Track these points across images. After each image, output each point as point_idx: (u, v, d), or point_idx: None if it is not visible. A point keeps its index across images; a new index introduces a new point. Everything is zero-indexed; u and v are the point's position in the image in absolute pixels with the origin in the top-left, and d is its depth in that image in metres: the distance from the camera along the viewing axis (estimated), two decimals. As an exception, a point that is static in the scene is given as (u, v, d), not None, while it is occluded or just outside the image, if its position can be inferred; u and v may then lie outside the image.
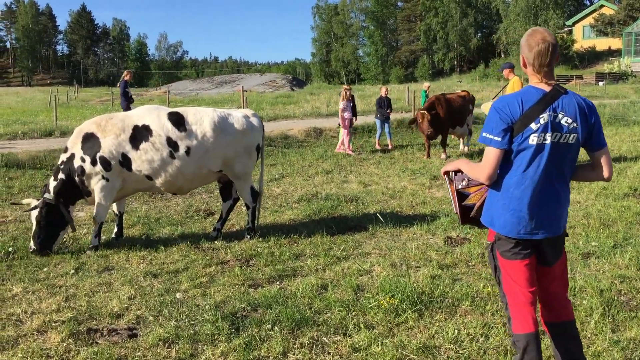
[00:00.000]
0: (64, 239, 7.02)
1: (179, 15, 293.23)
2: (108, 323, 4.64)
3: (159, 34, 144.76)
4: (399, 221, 7.69)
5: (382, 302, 4.72)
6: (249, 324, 4.51)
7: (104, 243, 6.88)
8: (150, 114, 6.77)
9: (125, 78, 16.22)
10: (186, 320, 4.65)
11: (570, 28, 64.99)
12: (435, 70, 76.52)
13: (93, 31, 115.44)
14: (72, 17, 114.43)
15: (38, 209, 6.51)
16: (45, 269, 6.00)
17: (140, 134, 6.61)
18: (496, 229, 3.19)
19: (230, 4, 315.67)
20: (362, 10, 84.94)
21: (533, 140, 3.01)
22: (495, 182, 3.17)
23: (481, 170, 3.15)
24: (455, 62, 76.30)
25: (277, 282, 5.55)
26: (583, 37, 64.06)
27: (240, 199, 7.44)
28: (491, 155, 3.10)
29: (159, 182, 6.74)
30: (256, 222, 7.37)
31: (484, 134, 3.14)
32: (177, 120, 6.72)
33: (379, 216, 7.74)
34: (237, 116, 7.12)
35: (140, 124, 6.67)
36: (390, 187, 10.23)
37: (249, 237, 7.09)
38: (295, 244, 6.80)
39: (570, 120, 3.04)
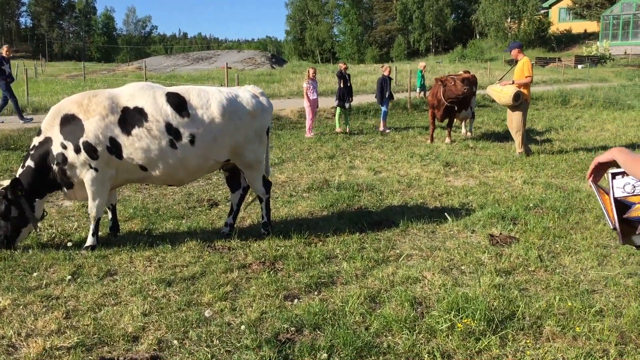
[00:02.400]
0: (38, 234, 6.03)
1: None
2: (124, 350, 3.78)
3: (127, 8, 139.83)
4: (428, 215, 6.94)
5: (457, 323, 3.95)
6: (299, 353, 3.70)
7: (101, 241, 5.95)
8: (144, 93, 5.67)
9: (2, 53, 14.45)
10: (220, 345, 3.82)
11: (546, 10, 64.94)
12: (410, 50, 75.91)
13: (58, 3, 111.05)
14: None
15: None
16: (35, 274, 5.07)
17: (132, 118, 5.54)
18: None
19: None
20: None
21: None
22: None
23: None
24: (431, 43, 75.72)
25: (315, 292, 4.74)
26: (559, 19, 64.12)
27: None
28: None
29: (155, 173, 5.73)
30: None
31: None
32: (179, 104, 5.68)
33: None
34: (246, 96, 6.13)
35: (131, 105, 5.59)
36: (403, 175, 9.47)
37: (265, 232, 6.26)
38: (322, 243, 5.99)
39: None
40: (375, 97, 15.35)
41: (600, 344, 3.82)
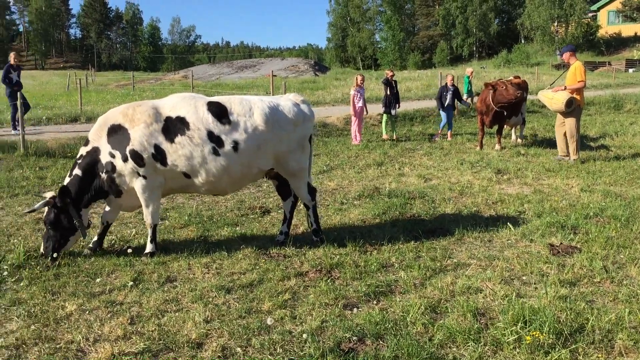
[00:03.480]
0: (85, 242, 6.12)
1: (192, 0, 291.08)
2: (189, 356, 3.82)
3: (172, 18, 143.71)
4: (483, 223, 6.82)
5: (525, 336, 3.84)
6: (363, 362, 3.67)
7: (159, 247, 6.05)
8: (186, 103, 5.79)
9: (10, 61, 14.43)
10: (283, 354, 3.82)
11: (595, 13, 63.34)
12: (453, 56, 74.99)
13: (106, 15, 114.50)
14: (85, 1, 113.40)
15: (47, 210, 5.63)
16: (98, 280, 5.19)
17: (174, 126, 5.66)
18: None
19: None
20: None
21: None
22: None
23: None
24: (474, 48, 74.69)
25: (374, 301, 4.70)
26: (608, 22, 62.42)
27: None
28: None
29: (199, 181, 5.80)
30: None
31: None
32: (220, 112, 5.77)
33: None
34: (288, 105, 6.14)
35: (173, 115, 5.71)
36: (454, 182, 9.34)
37: (317, 240, 6.25)
38: (377, 251, 5.94)
39: None
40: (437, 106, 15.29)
41: (678, 360, 3.66)
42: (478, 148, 12.81)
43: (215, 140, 5.69)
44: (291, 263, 5.64)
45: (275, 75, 19.80)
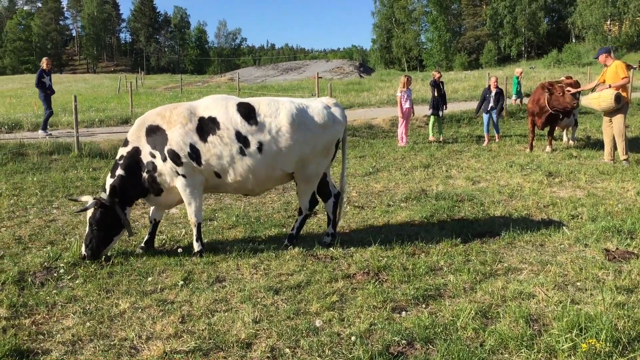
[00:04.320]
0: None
1: (238, 3, 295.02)
2: (239, 356, 3.85)
3: (218, 22, 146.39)
4: (535, 227, 6.66)
5: (581, 344, 3.73)
6: (415, 366, 3.63)
7: (209, 247, 6.14)
8: (217, 104, 5.89)
9: (42, 66, 14.69)
10: (332, 356, 3.81)
11: (651, 11, 61.12)
12: (501, 56, 73.73)
13: (155, 19, 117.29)
14: (135, 6, 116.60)
15: (92, 210, 5.73)
16: (150, 279, 5.30)
17: (207, 126, 5.76)
18: None
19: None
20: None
21: None
22: None
23: None
24: (523, 48, 73.26)
25: (423, 305, 4.64)
26: (665, 20, 60.16)
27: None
28: None
29: (228, 180, 5.87)
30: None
31: None
32: (247, 112, 5.82)
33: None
34: (318, 107, 6.10)
35: (206, 115, 5.81)
36: (503, 185, 9.16)
37: (289, 244, 6.17)
38: (425, 254, 5.88)
39: None
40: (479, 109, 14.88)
41: None
42: (528, 150, 12.53)
43: (242, 140, 5.76)
44: (338, 265, 5.64)
45: (321, 77, 19.84)
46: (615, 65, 10.51)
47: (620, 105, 10.22)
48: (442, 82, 14.69)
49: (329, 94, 15.40)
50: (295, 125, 5.86)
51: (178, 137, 5.73)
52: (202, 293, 4.93)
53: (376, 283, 5.09)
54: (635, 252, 5.77)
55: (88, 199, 5.82)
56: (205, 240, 6.42)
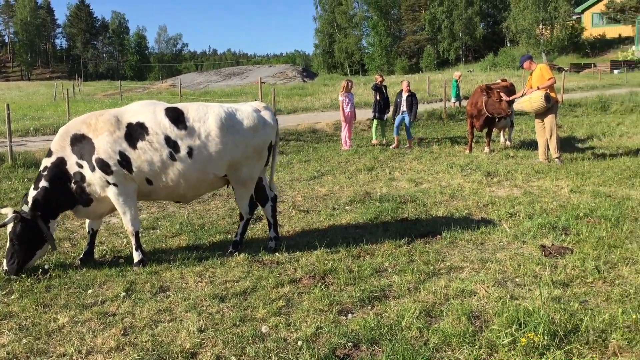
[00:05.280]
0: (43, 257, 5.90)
1: (178, 8, 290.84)
2: (184, 366, 3.79)
3: (159, 27, 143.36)
4: (475, 226, 6.85)
5: (520, 338, 3.85)
6: (360, 368, 3.65)
7: (152, 257, 6.02)
8: (145, 109, 5.79)
9: None
10: (279, 361, 3.80)
11: (579, 16, 63.96)
12: (440, 60, 75.38)
13: (92, 24, 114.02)
14: (70, 11, 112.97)
15: (12, 224, 5.49)
16: (90, 291, 5.14)
17: (135, 132, 5.63)
18: None
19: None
20: (365, 0, 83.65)
21: None
22: None
23: None
24: (461, 52, 75.16)
25: (369, 307, 4.69)
26: (592, 24, 63.05)
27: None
28: None
29: (159, 187, 5.77)
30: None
31: None
32: (176, 117, 5.74)
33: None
34: (247, 111, 6.10)
35: (134, 121, 5.68)
36: (445, 185, 9.37)
37: (233, 251, 6.12)
38: (370, 256, 5.94)
39: None
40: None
41: (673, 359, 3.68)
42: (468, 151, 12.87)
43: (172, 145, 5.67)
44: (284, 270, 5.62)
45: (264, 83, 19.78)
46: (539, 68, 11.03)
47: (550, 104, 10.66)
48: (384, 86, 14.90)
49: (272, 99, 15.39)
50: (225, 129, 5.82)
51: (106, 145, 5.56)
52: (145, 304, 4.82)
53: (322, 286, 5.10)
54: (570, 247, 6.01)
55: (8, 212, 5.56)
56: (148, 250, 6.30)
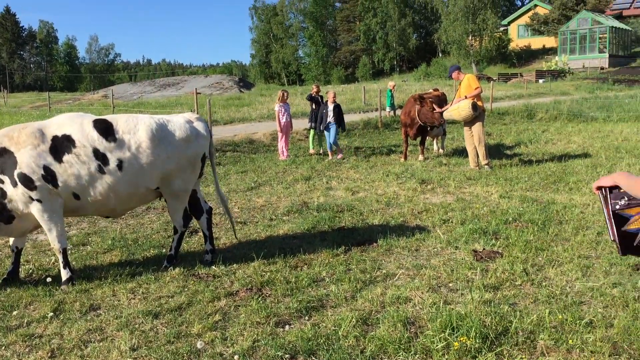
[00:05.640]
0: None
1: (110, 17, 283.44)
2: (116, 387, 3.66)
3: (90, 37, 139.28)
4: (410, 233, 6.97)
5: (453, 342, 3.94)
6: (297, 380, 3.64)
7: (81, 274, 5.81)
8: (72, 122, 5.59)
9: None
10: (215, 377, 3.73)
11: (506, 27, 66.58)
12: (375, 70, 76.70)
13: (18, 34, 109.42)
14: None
15: None
16: (15, 312, 4.90)
17: (61, 145, 5.43)
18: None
19: (163, 6, 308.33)
20: (301, 11, 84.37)
21: None
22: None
23: None
24: (395, 62, 76.73)
25: (306, 317, 4.69)
26: (518, 36, 65.78)
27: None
28: None
29: (87, 201, 5.57)
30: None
31: None
32: (105, 129, 5.57)
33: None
34: (179, 122, 5.99)
35: (60, 133, 5.48)
36: (381, 194, 9.51)
37: (169, 265, 6.00)
38: (308, 266, 5.95)
39: None
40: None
41: (595, 356, 3.85)
42: (403, 159, 13.11)
43: (100, 157, 5.50)
44: (221, 283, 5.55)
45: (200, 93, 19.52)
46: (467, 78, 11.44)
47: (478, 113, 11.06)
48: (320, 97, 14.99)
49: (207, 109, 15.21)
50: (156, 141, 5.69)
51: (29, 159, 5.32)
52: (75, 324, 4.64)
53: (259, 299, 5.07)
54: (500, 251, 6.21)
55: None
56: (78, 267, 6.08)
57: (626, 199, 2.59)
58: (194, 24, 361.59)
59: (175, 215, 6.13)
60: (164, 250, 6.68)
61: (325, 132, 13.96)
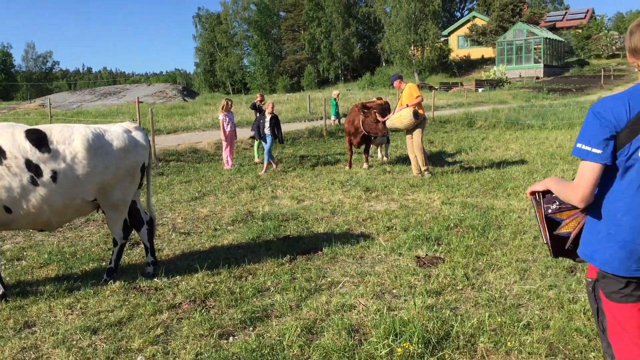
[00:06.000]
0: None
1: (47, 24, 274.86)
2: (52, 408, 3.53)
3: (26, 44, 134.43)
4: (355, 240, 7.03)
5: (396, 348, 3.98)
6: (241, 391, 3.60)
7: (16, 290, 5.57)
8: (3, 132, 5.35)
9: None
10: (156, 392, 3.64)
11: (446, 38, 68.29)
12: (320, 79, 77.15)
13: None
14: None
15: None
16: (-58, 333, 4.66)
17: None
18: (599, 265, 2.56)
19: (103, 13, 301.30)
20: (245, 19, 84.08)
21: None
22: (594, 205, 2.56)
23: (574, 190, 2.53)
24: (340, 71, 77.41)
25: (251, 328, 4.65)
26: (458, 46, 67.59)
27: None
28: (588, 171, 2.48)
29: (19, 215, 5.34)
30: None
31: (578, 145, 2.51)
32: (38, 139, 5.37)
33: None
34: (116, 132, 5.86)
35: None
36: (326, 202, 9.55)
37: (108, 279, 5.84)
38: (253, 276, 5.90)
39: None
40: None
41: (532, 357, 3.97)
42: (347, 167, 13.22)
43: (33, 169, 5.29)
44: (163, 295, 5.43)
45: (142, 102, 19.14)
46: (408, 87, 11.65)
47: (419, 121, 11.29)
48: (259, 107, 14.92)
49: (150, 118, 14.93)
50: (92, 151, 5.52)
51: None
52: (8, 342, 4.44)
53: (203, 310, 4.99)
54: (442, 256, 6.33)
55: None
56: (12, 282, 5.83)
57: (557, 203, 2.69)
58: (137, 32, 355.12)
59: (114, 227, 5.97)
60: (103, 264, 6.50)
61: (262, 143, 13.60)
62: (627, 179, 2.47)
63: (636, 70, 2.54)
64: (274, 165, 13.48)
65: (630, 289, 2.51)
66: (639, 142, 2.41)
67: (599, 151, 2.45)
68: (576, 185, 2.53)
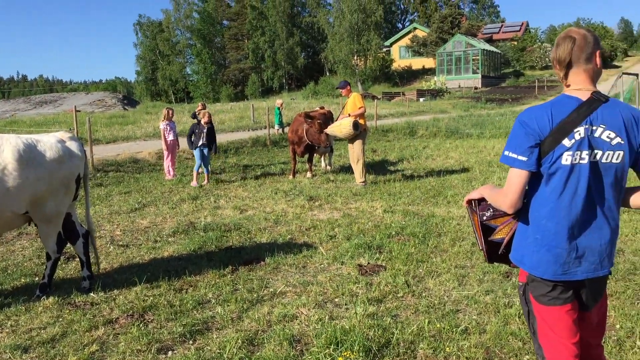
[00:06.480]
0: None
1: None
2: None
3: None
4: (298, 250, 7.02)
5: (338, 357, 3.99)
6: (180, 407, 3.52)
7: (-62, 310, 5.28)
8: None
9: None
10: (91, 412, 3.52)
11: (388, 48, 69.57)
12: (264, 88, 77.06)
13: None
14: None
15: None
16: None
17: None
18: (528, 269, 2.65)
19: (39, 20, 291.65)
20: (188, 27, 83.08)
21: (567, 160, 2.51)
22: (523, 211, 2.65)
23: (504, 196, 2.61)
24: (284, 80, 77.57)
25: (190, 341, 4.56)
26: (400, 56, 68.95)
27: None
28: (515, 178, 2.57)
29: None
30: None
31: (505, 153, 2.60)
32: None
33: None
34: (50, 142, 5.64)
35: None
36: (269, 211, 9.51)
37: (41, 295, 5.62)
38: (193, 288, 5.80)
39: (613, 135, 2.54)
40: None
41: (470, 361, 4.05)
42: (291, 177, 13.22)
43: None
44: (99, 311, 5.26)
45: (79, 111, 18.62)
46: (353, 96, 11.73)
47: (359, 131, 11.38)
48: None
49: (88, 128, 14.51)
50: (24, 162, 5.29)
51: None
52: None
53: (141, 325, 4.86)
54: (383, 264, 6.40)
55: None
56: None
57: (492, 210, 2.77)
58: (75, 39, 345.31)
59: (47, 240, 5.74)
60: (36, 279, 6.25)
61: (196, 151, 12.96)
62: (550, 185, 2.56)
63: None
64: (200, 180, 12.87)
65: (557, 292, 2.60)
66: (561, 150, 2.50)
67: (524, 158, 2.54)
68: (505, 191, 2.61)
